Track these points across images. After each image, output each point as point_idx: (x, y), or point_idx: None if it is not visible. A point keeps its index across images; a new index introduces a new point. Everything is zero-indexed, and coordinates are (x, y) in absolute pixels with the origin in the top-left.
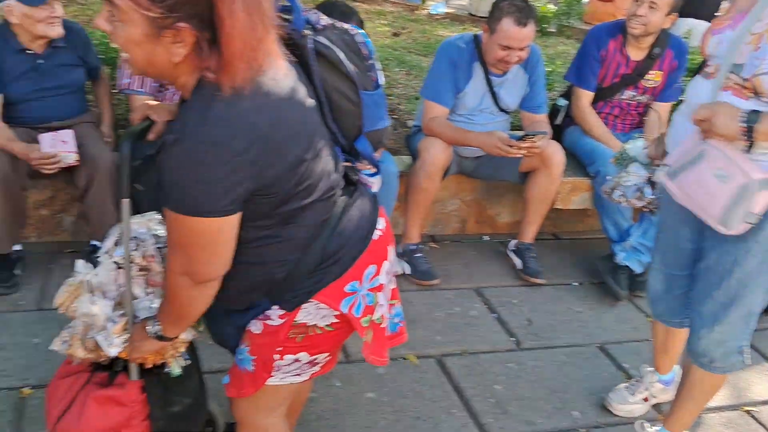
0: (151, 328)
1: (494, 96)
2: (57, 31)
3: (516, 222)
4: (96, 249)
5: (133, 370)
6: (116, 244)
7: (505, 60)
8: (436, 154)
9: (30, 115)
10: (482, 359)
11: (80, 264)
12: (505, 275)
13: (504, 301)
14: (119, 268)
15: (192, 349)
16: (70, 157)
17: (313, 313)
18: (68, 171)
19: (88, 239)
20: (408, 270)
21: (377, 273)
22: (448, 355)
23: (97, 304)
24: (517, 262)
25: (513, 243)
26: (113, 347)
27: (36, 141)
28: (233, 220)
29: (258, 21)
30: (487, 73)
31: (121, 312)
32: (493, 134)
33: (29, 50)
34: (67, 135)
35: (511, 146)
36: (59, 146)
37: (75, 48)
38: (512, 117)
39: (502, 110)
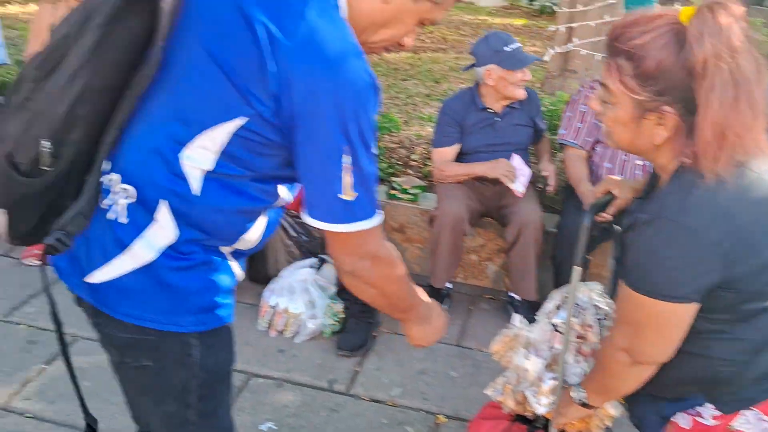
0: (575, 394)
1: None
2: (522, 93)
3: None
4: (512, 301)
5: None
6: (557, 307)
7: None
8: None
9: None
10: None
11: (517, 318)
12: None
13: None
14: (555, 330)
15: None
16: (519, 186)
17: (753, 423)
18: (501, 224)
19: (506, 290)
20: None
21: None
22: None
23: (531, 360)
24: None
25: None
26: (541, 406)
27: None
28: (691, 309)
29: (746, 109)
30: None
31: (552, 375)
32: None
33: (489, 109)
34: (527, 172)
35: None
36: (522, 168)
37: (528, 110)
38: None
39: None
